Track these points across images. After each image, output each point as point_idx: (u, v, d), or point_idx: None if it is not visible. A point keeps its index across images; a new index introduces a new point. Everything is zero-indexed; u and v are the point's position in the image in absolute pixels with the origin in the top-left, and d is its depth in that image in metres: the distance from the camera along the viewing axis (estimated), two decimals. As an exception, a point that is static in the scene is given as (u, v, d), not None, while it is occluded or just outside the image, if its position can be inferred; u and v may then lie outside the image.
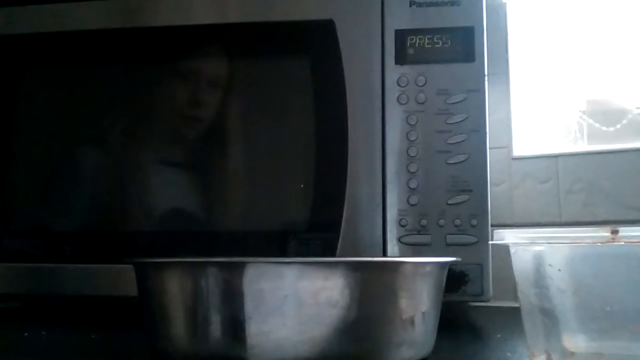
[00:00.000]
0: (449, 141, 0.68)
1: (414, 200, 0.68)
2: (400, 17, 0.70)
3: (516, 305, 0.46)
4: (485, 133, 0.68)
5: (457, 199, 0.67)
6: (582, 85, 0.95)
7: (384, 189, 0.68)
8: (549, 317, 0.42)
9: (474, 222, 0.67)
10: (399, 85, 0.69)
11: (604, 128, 0.93)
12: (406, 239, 0.67)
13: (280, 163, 0.72)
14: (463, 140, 0.68)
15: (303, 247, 0.69)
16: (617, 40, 0.93)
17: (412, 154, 0.68)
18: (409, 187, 0.68)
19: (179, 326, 0.44)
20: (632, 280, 0.39)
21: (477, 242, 0.66)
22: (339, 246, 0.67)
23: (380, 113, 0.69)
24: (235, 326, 0.42)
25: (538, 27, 0.96)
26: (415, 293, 0.45)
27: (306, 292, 0.42)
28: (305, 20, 0.71)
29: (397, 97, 0.69)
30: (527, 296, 0.44)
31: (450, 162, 0.68)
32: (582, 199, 0.88)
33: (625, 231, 0.39)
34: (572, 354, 0.41)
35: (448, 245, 0.67)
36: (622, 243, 0.39)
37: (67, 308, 0.81)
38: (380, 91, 0.69)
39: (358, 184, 0.68)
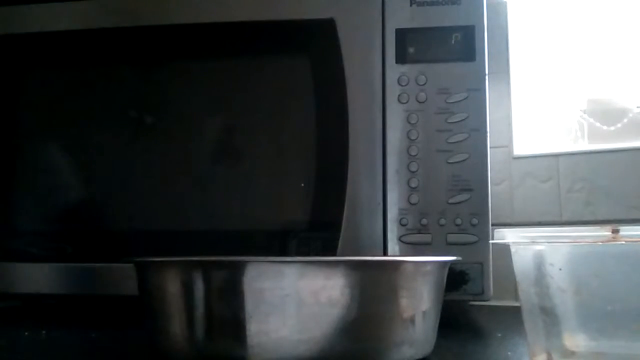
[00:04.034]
0: (450, 140, 0.68)
1: (414, 199, 0.67)
2: (400, 16, 0.70)
3: (517, 304, 0.46)
4: (486, 132, 0.68)
5: (458, 198, 0.67)
6: (583, 84, 0.95)
7: (384, 188, 0.68)
8: (550, 316, 0.42)
9: (475, 221, 0.67)
10: (399, 84, 0.69)
11: (605, 127, 0.93)
12: (407, 238, 0.67)
13: (280, 162, 0.72)
14: (464, 140, 0.68)
15: (303, 246, 0.69)
16: (617, 40, 0.93)
17: (412, 153, 0.68)
18: (410, 186, 0.68)
19: (179, 325, 0.44)
20: (632, 279, 0.39)
21: (477, 241, 0.66)
22: (339, 245, 0.67)
23: (381, 112, 0.69)
24: (236, 325, 0.42)
25: (539, 26, 0.96)
26: (415, 292, 0.45)
27: (307, 292, 0.42)
28: (306, 19, 0.71)
29: (398, 96, 0.69)
30: (527, 295, 0.44)
31: (450, 161, 0.68)
32: (583, 198, 0.88)
33: (626, 230, 0.39)
34: (573, 353, 0.41)
35: (449, 244, 0.67)
36: (623, 242, 0.39)
37: (67, 308, 0.81)
38: (380, 90, 0.69)
39: (358, 183, 0.68)
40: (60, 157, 0.77)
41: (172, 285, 0.45)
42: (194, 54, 0.75)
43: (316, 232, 0.69)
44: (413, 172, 0.68)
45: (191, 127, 0.74)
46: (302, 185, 0.70)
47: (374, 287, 0.44)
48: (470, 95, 0.68)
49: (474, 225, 0.67)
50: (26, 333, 0.61)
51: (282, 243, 0.70)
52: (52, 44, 0.76)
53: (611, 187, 0.87)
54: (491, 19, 0.71)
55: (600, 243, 0.39)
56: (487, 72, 0.69)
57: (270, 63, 0.74)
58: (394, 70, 0.69)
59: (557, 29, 0.96)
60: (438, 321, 0.48)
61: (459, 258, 0.51)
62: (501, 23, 0.94)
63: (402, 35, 0.70)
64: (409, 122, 0.68)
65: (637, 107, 0.92)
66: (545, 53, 0.96)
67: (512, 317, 0.61)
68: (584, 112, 0.95)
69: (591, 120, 0.94)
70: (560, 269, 0.41)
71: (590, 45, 0.94)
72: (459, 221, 0.67)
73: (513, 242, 0.44)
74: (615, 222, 0.85)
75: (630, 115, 0.92)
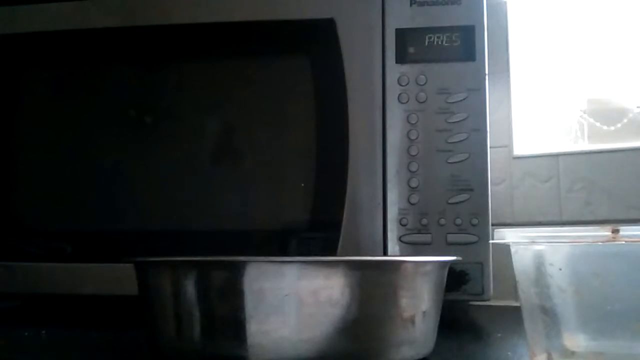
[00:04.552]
0: (450, 140, 0.68)
1: (414, 199, 0.67)
2: (400, 16, 0.70)
3: (517, 304, 0.46)
4: (486, 132, 0.68)
5: (458, 198, 0.67)
6: (583, 84, 0.95)
7: (384, 188, 0.68)
8: (550, 316, 0.42)
9: (475, 221, 0.67)
10: (399, 84, 0.69)
11: (605, 127, 0.93)
12: (407, 238, 0.67)
13: (280, 162, 0.72)
14: (464, 139, 0.68)
15: (304, 246, 0.69)
16: (617, 40, 0.93)
17: (412, 153, 0.68)
18: (410, 186, 0.68)
19: (179, 325, 0.44)
20: (632, 279, 0.39)
21: (477, 241, 0.66)
22: (339, 245, 0.67)
23: (381, 112, 0.69)
24: (236, 325, 0.42)
25: (539, 26, 0.96)
26: (415, 292, 0.45)
27: (306, 292, 0.42)
28: (306, 19, 0.71)
29: (398, 96, 0.69)
30: (527, 295, 0.44)
31: (450, 161, 0.68)
32: (583, 198, 0.88)
33: (626, 230, 0.39)
34: (573, 353, 0.41)
35: (449, 244, 0.67)
36: (623, 242, 0.39)
37: (67, 307, 0.81)
38: (380, 90, 0.69)
39: (359, 183, 0.68)
40: (59, 157, 0.77)
41: (172, 285, 0.45)
42: (194, 54, 0.75)
43: (316, 232, 0.69)
44: (413, 172, 0.68)
45: (191, 127, 0.74)
46: (302, 185, 0.70)
47: (374, 287, 0.44)
48: (470, 95, 0.68)
49: (474, 225, 0.67)
50: (26, 333, 0.61)
51: (282, 243, 0.70)
52: (52, 44, 0.76)
53: (611, 187, 0.87)
54: (491, 19, 0.71)
55: (600, 243, 0.39)
56: (487, 72, 0.69)
57: (270, 63, 0.74)
58: (394, 70, 0.69)
59: (557, 29, 0.96)
60: (438, 321, 0.48)
61: (459, 258, 0.51)
62: (501, 23, 0.94)
63: (402, 35, 0.70)
64: (409, 122, 0.68)
65: (637, 107, 0.92)
66: (545, 53, 0.96)
67: (512, 317, 0.61)
68: (584, 112, 0.94)
69: (591, 120, 0.94)
70: (560, 269, 0.41)
71: (590, 45, 0.94)
72: (459, 221, 0.67)
73: (513, 242, 0.44)
74: (615, 222, 0.85)
75: (630, 115, 0.92)
